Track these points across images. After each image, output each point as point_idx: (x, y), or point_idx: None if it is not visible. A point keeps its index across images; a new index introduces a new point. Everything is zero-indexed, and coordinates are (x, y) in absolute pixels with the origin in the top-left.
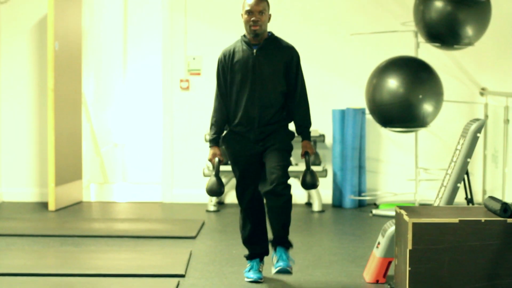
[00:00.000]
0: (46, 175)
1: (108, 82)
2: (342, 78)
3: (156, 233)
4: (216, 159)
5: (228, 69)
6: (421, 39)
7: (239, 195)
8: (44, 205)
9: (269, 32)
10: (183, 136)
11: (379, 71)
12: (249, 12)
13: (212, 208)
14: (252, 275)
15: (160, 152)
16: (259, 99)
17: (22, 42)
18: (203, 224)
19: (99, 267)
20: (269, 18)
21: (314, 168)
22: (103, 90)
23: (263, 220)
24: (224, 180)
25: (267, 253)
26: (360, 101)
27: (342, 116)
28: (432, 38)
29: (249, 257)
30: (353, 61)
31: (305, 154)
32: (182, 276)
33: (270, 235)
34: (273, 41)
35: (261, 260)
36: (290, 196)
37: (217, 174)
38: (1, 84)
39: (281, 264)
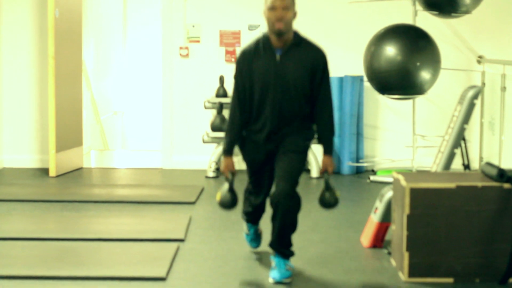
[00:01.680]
0: (47, 142)
1: (108, 50)
2: (340, 45)
3: (156, 199)
4: (230, 174)
5: (247, 74)
6: (419, 7)
7: (246, 199)
8: (45, 171)
9: (295, 31)
10: (183, 104)
11: (377, 38)
12: (272, 8)
13: (211, 174)
14: (249, 244)
15: (159, 120)
16: (282, 111)
17: (22, 10)
18: (202, 189)
19: (99, 231)
20: (295, 15)
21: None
22: (103, 57)
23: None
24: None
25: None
26: (358, 69)
27: (340, 84)
28: (429, 6)
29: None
30: (351, 29)
31: (324, 172)
32: (182, 240)
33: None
34: (299, 44)
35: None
36: (295, 207)
37: (231, 188)
38: (2, 51)
39: (276, 276)
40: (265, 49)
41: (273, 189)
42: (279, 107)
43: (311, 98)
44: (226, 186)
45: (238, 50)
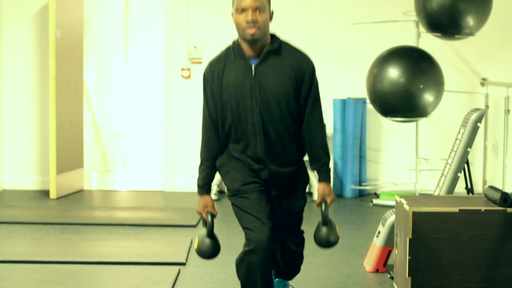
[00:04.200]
0: (48, 163)
1: (110, 71)
2: (343, 67)
3: (157, 222)
4: (209, 216)
5: (217, 92)
6: (422, 29)
7: (241, 261)
8: (45, 193)
9: (272, 34)
10: (184, 125)
11: (380, 60)
12: (242, 10)
13: (213, 197)
14: None
15: (161, 141)
16: (265, 132)
17: (24, 30)
18: None
19: (100, 255)
20: (271, 17)
21: None
22: (105, 78)
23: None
24: None
25: None
26: (361, 91)
27: (343, 106)
28: (433, 28)
29: None
30: (354, 50)
31: (321, 203)
32: (183, 264)
33: None
34: (277, 51)
35: None
36: (301, 262)
37: (211, 234)
38: (3, 71)
39: None
40: (236, 59)
41: (278, 266)
42: (261, 130)
43: (298, 117)
44: (203, 231)
45: None
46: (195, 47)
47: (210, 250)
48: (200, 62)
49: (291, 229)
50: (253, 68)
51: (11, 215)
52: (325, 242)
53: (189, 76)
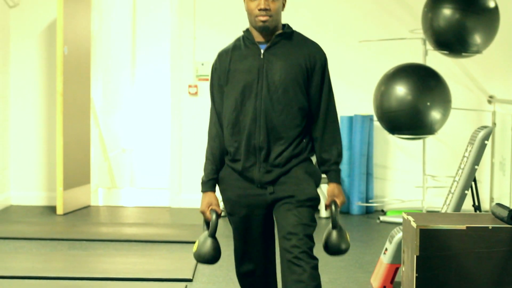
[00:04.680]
0: (55, 179)
1: (117, 87)
2: (350, 84)
3: (164, 238)
4: (213, 215)
5: (225, 78)
6: (429, 46)
7: (237, 266)
8: (52, 209)
9: (284, 24)
10: (191, 142)
11: (387, 78)
12: None
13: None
14: None
15: (168, 158)
16: (268, 120)
17: (31, 46)
18: None
19: (106, 271)
20: (284, 5)
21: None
22: (112, 95)
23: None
24: None
25: None
26: (368, 108)
27: (350, 123)
28: (440, 45)
29: None
30: (361, 68)
31: (331, 205)
32: (190, 280)
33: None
34: (289, 37)
35: None
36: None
37: (213, 234)
38: (10, 88)
39: None
40: (246, 45)
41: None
42: (265, 115)
43: (309, 112)
44: (205, 232)
45: None
46: (202, 64)
47: (212, 253)
48: (207, 79)
49: (294, 225)
50: (262, 52)
51: (18, 231)
52: (335, 249)
53: (196, 93)
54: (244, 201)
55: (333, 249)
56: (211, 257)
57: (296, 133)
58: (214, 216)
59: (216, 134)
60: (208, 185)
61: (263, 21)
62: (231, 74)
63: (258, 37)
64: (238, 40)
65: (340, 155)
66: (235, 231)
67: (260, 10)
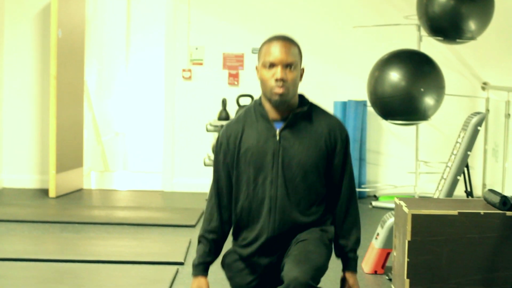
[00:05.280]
0: (47, 162)
1: (111, 71)
2: (344, 70)
3: (156, 221)
4: None
5: (234, 159)
6: (423, 32)
7: None
8: (44, 192)
9: (300, 94)
10: (185, 126)
11: (381, 63)
12: (271, 65)
13: None
14: None
15: (161, 142)
16: (286, 215)
17: (25, 30)
18: (202, 213)
19: (98, 253)
20: (302, 75)
21: None
22: (106, 78)
23: None
24: None
25: None
26: (362, 94)
27: (344, 108)
28: (434, 32)
29: None
30: (356, 53)
31: None
32: (181, 264)
33: None
34: (307, 115)
35: None
36: None
37: None
38: (4, 70)
39: None
40: (258, 122)
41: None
42: (281, 212)
43: (328, 193)
44: None
45: (242, 74)
46: (197, 48)
47: None
48: (201, 63)
49: (301, 244)
50: (277, 132)
51: (10, 213)
52: None
53: (190, 77)
54: (247, 281)
55: None
56: None
57: (315, 219)
58: None
59: (212, 212)
60: (198, 269)
61: (280, 94)
62: (242, 155)
63: (272, 113)
64: (248, 111)
65: (358, 241)
66: None
67: (276, 80)
